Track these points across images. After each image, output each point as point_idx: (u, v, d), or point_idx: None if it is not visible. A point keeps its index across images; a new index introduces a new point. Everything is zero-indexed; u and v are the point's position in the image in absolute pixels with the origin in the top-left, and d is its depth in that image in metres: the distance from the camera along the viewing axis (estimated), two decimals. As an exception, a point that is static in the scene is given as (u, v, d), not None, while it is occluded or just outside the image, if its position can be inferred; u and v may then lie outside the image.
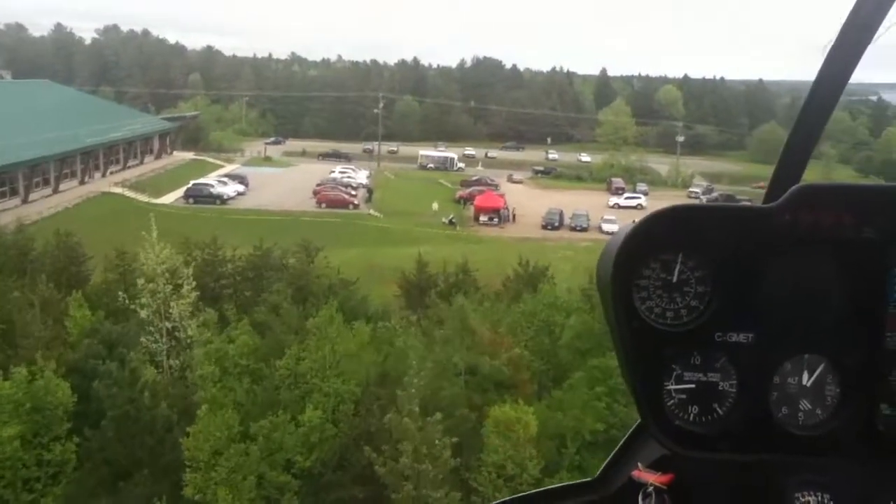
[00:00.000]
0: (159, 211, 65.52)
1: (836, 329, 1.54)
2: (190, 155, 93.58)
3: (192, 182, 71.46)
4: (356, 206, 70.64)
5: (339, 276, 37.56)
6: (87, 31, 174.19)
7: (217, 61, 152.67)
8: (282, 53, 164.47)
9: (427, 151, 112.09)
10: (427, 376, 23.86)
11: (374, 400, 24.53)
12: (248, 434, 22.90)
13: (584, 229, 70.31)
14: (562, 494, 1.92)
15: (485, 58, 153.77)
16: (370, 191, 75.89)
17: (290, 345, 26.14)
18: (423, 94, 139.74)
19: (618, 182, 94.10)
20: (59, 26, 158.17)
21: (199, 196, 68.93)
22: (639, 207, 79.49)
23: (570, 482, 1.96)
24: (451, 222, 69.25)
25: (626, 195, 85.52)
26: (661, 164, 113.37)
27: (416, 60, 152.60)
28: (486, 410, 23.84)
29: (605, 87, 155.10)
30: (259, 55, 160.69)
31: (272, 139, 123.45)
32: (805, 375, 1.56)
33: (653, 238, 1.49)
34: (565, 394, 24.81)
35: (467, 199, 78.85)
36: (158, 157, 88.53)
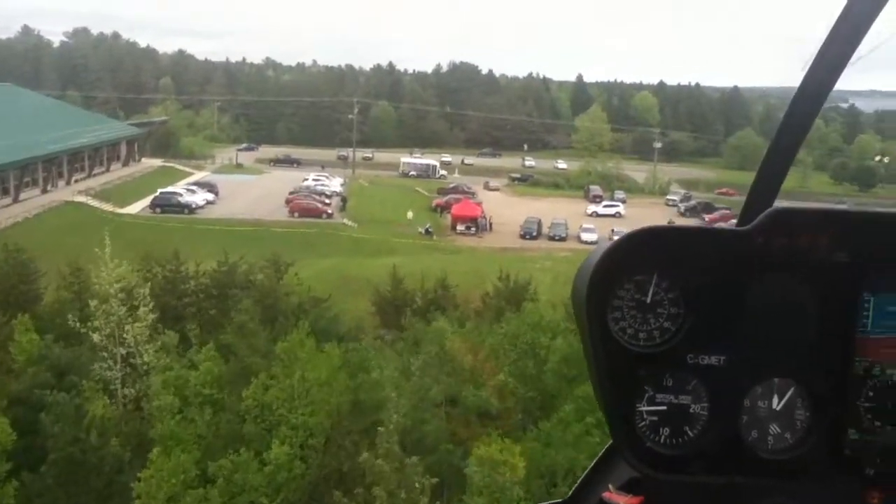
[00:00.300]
0: (124, 221, 63.11)
1: (806, 353, 1.55)
2: (158, 162, 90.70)
3: (159, 191, 68.83)
4: (330, 216, 68.44)
5: (310, 293, 35.13)
6: (55, 35, 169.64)
7: (189, 65, 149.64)
8: (256, 58, 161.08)
9: (408, 159, 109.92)
10: (405, 408, 21.90)
11: (345, 434, 22.48)
12: (206, 476, 20.72)
13: (562, 238, 68.70)
14: None
15: (461, 63, 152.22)
16: (344, 199, 73.75)
17: (257, 370, 24.03)
18: (399, 99, 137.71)
19: (595, 190, 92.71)
20: (26, 28, 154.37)
21: (167, 205, 66.35)
22: (617, 216, 78.10)
23: (540, 503, 1.46)
24: (427, 232, 67.31)
25: (604, 203, 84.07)
26: (637, 172, 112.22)
27: (391, 65, 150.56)
28: (469, 445, 21.91)
29: (581, 93, 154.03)
30: (233, 59, 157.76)
31: (244, 145, 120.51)
32: (775, 399, 1.56)
33: (628, 259, 1.49)
34: (554, 427, 22.92)
35: (444, 208, 77.00)
36: (126, 164, 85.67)
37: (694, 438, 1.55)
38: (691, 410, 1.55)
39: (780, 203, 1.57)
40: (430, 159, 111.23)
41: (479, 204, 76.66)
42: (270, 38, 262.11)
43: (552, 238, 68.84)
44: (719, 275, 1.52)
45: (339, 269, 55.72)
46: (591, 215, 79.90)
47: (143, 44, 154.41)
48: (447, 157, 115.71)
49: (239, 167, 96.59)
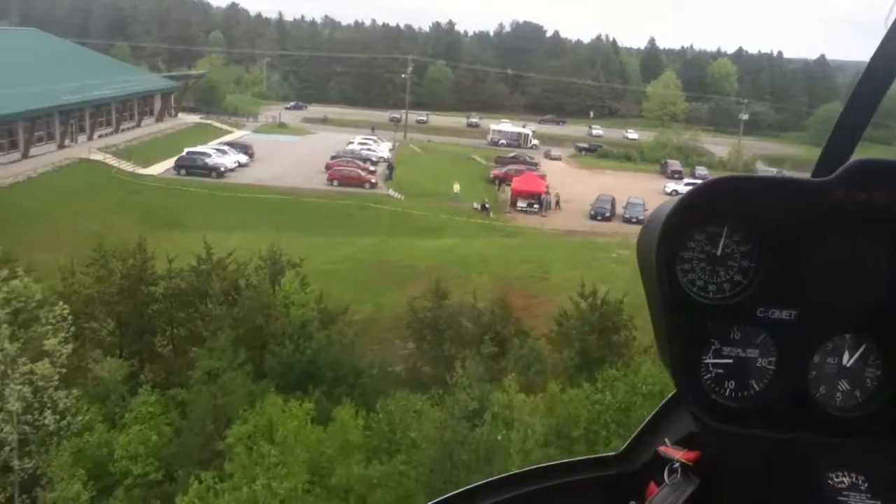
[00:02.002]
0: (141, 184, 54.91)
1: (879, 310, 1.50)
2: (196, 118, 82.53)
3: (185, 150, 60.38)
4: (374, 185, 59.19)
5: (321, 305, 25.88)
6: None
7: (241, 20, 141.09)
8: (313, 16, 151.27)
9: (498, 126, 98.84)
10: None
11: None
12: None
13: (640, 221, 58.20)
14: (583, 467, 1.81)
15: (524, 22, 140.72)
16: (391, 167, 64.28)
17: (208, 456, 14.99)
18: (457, 60, 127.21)
19: (674, 164, 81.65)
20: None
21: (192, 167, 57.93)
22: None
23: (593, 455, 1.84)
24: (483, 208, 57.66)
25: (685, 181, 73.03)
26: (716, 145, 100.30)
27: (450, 24, 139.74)
28: None
29: (652, 58, 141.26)
30: (287, 17, 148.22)
31: (292, 104, 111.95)
32: (846, 356, 1.52)
33: (700, 209, 1.44)
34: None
35: (503, 180, 67.12)
36: (160, 119, 77.62)
37: (760, 392, 1.49)
38: (758, 364, 1.49)
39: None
40: (520, 126, 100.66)
41: (544, 177, 66.49)
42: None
43: (628, 220, 58.55)
44: (793, 228, 1.43)
45: (377, 251, 46.58)
46: (670, 194, 69.06)
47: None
48: (501, 123, 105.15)
49: (282, 126, 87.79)
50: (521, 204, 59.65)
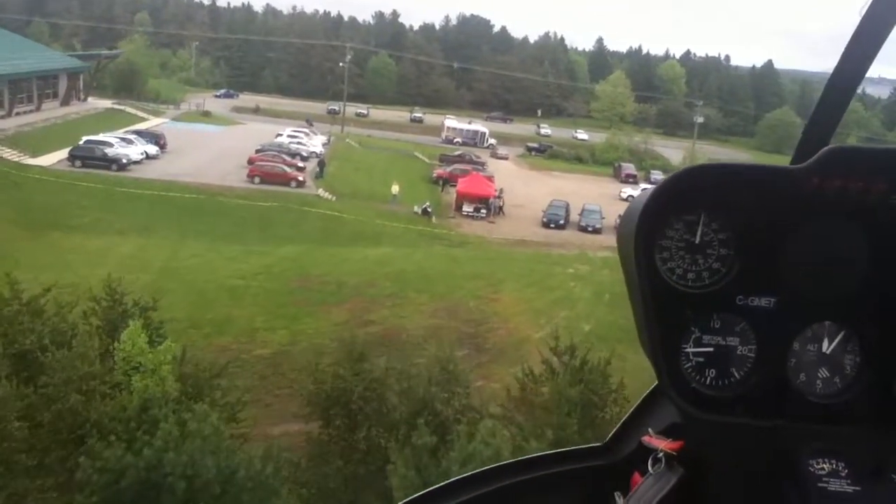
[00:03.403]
0: (23, 176, 46.19)
1: (858, 297, 1.49)
2: (107, 103, 73.41)
3: (84, 138, 51.79)
4: (301, 184, 51.58)
5: (185, 367, 18.47)
6: None
7: (170, 1, 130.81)
8: (255, 5, 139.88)
9: (454, 123, 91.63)
10: None
11: None
12: None
13: (596, 230, 52.20)
14: (569, 458, 1.82)
15: (471, 16, 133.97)
16: (322, 164, 56.66)
17: None
18: (401, 51, 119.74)
19: (628, 168, 76.03)
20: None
21: (90, 158, 49.43)
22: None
23: (579, 446, 1.85)
24: (425, 212, 50.67)
25: (641, 186, 67.26)
26: (666, 148, 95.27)
27: (394, 14, 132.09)
28: None
29: (600, 59, 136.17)
30: (225, 3, 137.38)
31: (222, 91, 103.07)
32: (825, 343, 1.52)
33: (677, 197, 1.42)
34: None
35: (447, 181, 60.29)
36: (65, 103, 68.30)
37: (740, 380, 1.48)
38: (738, 352, 1.48)
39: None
40: (478, 125, 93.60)
41: (491, 179, 59.81)
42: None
43: (584, 229, 52.31)
44: (770, 215, 1.42)
45: (299, 263, 39.15)
46: (626, 199, 63.34)
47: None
48: (450, 119, 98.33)
49: (206, 115, 79.11)
50: (467, 208, 52.89)
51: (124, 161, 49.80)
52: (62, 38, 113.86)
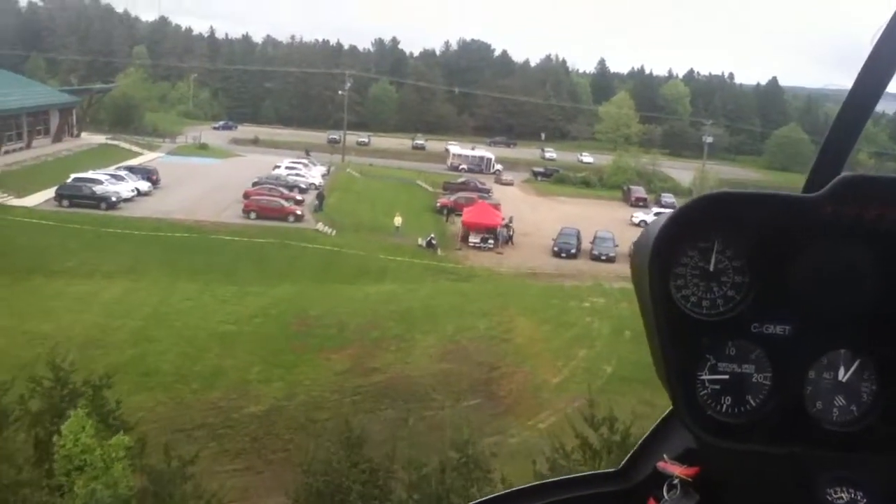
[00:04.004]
0: (5, 219, 43.73)
1: (874, 324, 1.48)
2: (101, 139, 71.21)
3: (72, 176, 49.41)
4: (299, 218, 49.01)
5: (145, 460, 15.65)
6: None
7: (168, 34, 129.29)
8: (255, 35, 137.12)
9: (459, 149, 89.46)
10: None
11: None
12: None
13: (610, 259, 49.40)
14: (582, 484, 1.78)
15: (472, 41, 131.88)
16: (321, 196, 54.08)
17: None
18: (402, 78, 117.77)
19: (637, 191, 73.35)
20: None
21: (77, 197, 47.01)
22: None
23: (593, 472, 1.84)
24: (429, 244, 47.98)
25: (654, 209, 64.59)
26: (674, 169, 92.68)
27: (394, 41, 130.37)
28: None
29: (603, 80, 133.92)
30: (219, 35, 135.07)
31: (221, 123, 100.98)
32: (841, 371, 1.50)
33: (691, 225, 1.42)
34: None
35: (451, 209, 57.70)
36: (57, 139, 66.13)
37: (756, 408, 1.46)
38: (754, 380, 1.46)
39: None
40: (483, 150, 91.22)
41: (498, 207, 57.17)
42: (265, 18, 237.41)
43: (597, 257, 49.54)
44: (785, 243, 1.41)
45: (297, 303, 36.46)
46: (639, 224, 60.63)
47: (119, 9, 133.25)
48: (454, 145, 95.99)
49: (202, 148, 76.81)
50: (474, 239, 50.22)
51: (114, 199, 47.35)
52: (60, 73, 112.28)
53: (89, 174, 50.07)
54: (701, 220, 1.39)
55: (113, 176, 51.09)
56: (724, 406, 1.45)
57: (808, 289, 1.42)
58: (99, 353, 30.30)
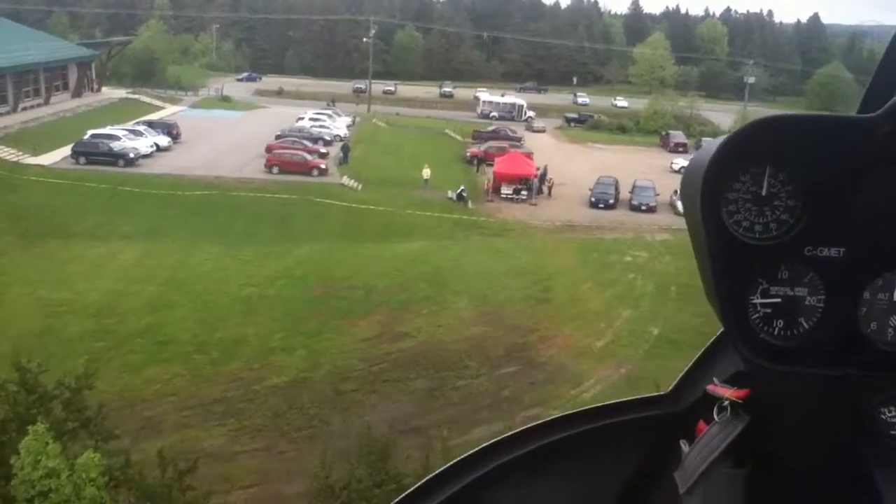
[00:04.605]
0: (21, 178, 42.06)
1: None
2: (122, 93, 69.15)
3: (89, 132, 47.46)
4: (323, 172, 46.68)
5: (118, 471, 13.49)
6: None
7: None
8: None
9: (488, 96, 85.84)
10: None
11: None
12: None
13: (651, 209, 46.51)
14: (632, 407, 1.77)
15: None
16: (346, 148, 51.61)
17: None
18: (428, 24, 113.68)
19: (677, 136, 69.64)
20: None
21: (94, 154, 45.07)
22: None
23: (640, 396, 1.78)
24: (460, 197, 45.44)
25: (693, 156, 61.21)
26: (713, 112, 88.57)
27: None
28: None
29: (636, 21, 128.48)
30: None
31: (244, 75, 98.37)
32: None
33: (743, 151, 1.39)
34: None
35: (482, 159, 54.93)
36: (76, 94, 64.21)
37: (809, 331, 1.45)
38: (807, 303, 1.44)
39: None
40: (515, 97, 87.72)
41: (530, 156, 54.31)
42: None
43: (636, 208, 46.69)
44: (839, 166, 1.36)
45: (321, 265, 34.39)
46: (679, 171, 57.43)
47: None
48: (483, 92, 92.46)
49: (225, 100, 74.46)
50: (506, 190, 47.55)
51: (132, 155, 45.34)
52: (82, 28, 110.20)
53: (107, 130, 48.08)
54: (752, 146, 1.35)
55: (131, 131, 49.04)
56: (777, 329, 1.43)
57: (863, 212, 1.37)
58: (114, 321, 28.70)
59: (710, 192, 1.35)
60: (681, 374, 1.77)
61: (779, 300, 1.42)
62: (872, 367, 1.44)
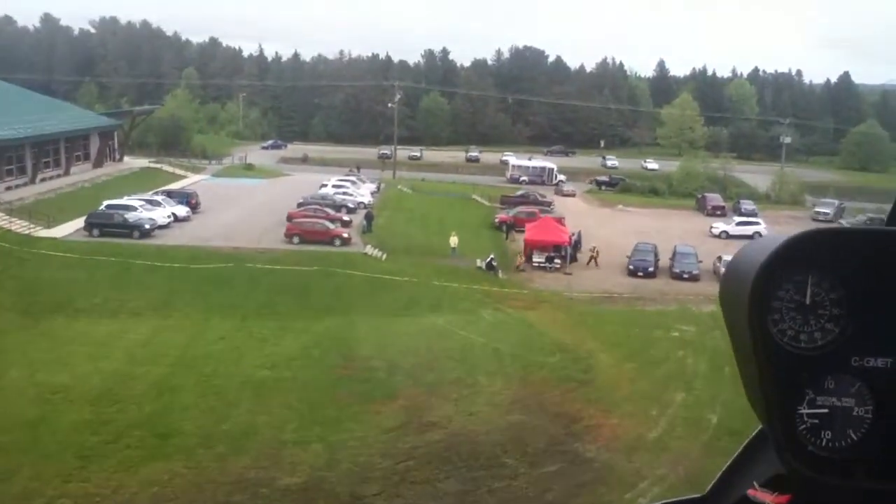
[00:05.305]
0: (30, 252, 40.18)
1: None
2: (144, 162, 68.14)
3: (104, 203, 45.81)
4: (346, 241, 44.37)
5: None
6: (79, 22, 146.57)
7: (217, 55, 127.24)
8: (295, 52, 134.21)
9: (518, 160, 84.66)
10: None
11: None
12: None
13: (693, 277, 43.43)
14: None
15: (524, 48, 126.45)
16: (370, 216, 49.43)
17: None
18: (454, 88, 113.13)
19: (714, 199, 66.77)
20: (47, 16, 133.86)
21: (108, 225, 43.23)
22: (757, 236, 52.37)
23: (679, 498, 1.74)
24: (489, 266, 42.79)
25: (736, 220, 58.25)
26: (746, 174, 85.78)
27: (444, 52, 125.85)
28: None
29: (663, 83, 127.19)
30: (268, 53, 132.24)
31: (270, 142, 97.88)
32: None
33: (788, 259, 1.42)
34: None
35: (511, 225, 52.50)
36: (98, 164, 63.16)
37: (858, 442, 1.43)
38: (855, 413, 1.43)
39: None
40: (544, 160, 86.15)
41: (562, 221, 51.76)
42: (314, 36, 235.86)
43: (678, 276, 43.66)
44: (882, 276, 1.39)
45: (341, 341, 31.67)
46: (720, 236, 54.49)
47: (169, 32, 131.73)
48: (510, 156, 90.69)
49: (248, 168, 73.24)
50: (538, 258, 44.86)
51: (147, 227, 43.43)
52: (111, 98, 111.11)
53: (123, 200, 46.42)
54: (795, 255, 1.38)
55: (149, 201, 47.32)
56: (825, 441, 1.41)
57: None
58: (113, 409, 25.98)
59: (757, 301, 1.34)
60: (718, 475, 1.67)
61: (826, 410, 1.38)
62: None
